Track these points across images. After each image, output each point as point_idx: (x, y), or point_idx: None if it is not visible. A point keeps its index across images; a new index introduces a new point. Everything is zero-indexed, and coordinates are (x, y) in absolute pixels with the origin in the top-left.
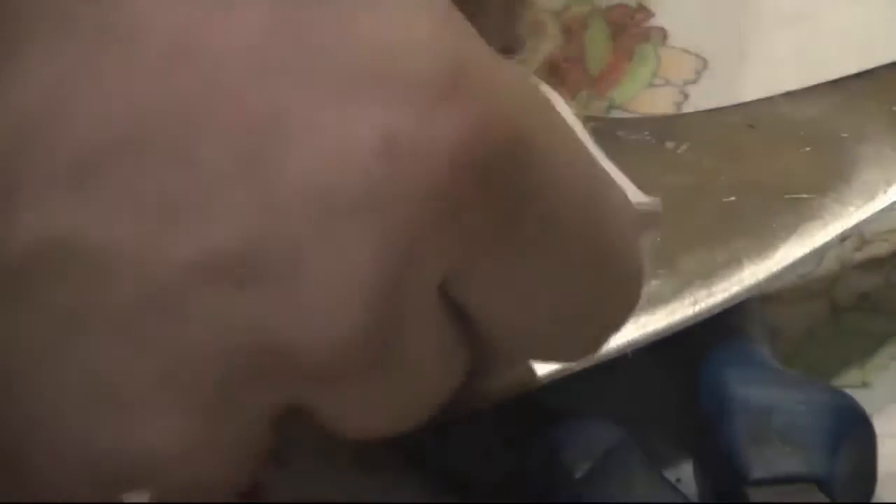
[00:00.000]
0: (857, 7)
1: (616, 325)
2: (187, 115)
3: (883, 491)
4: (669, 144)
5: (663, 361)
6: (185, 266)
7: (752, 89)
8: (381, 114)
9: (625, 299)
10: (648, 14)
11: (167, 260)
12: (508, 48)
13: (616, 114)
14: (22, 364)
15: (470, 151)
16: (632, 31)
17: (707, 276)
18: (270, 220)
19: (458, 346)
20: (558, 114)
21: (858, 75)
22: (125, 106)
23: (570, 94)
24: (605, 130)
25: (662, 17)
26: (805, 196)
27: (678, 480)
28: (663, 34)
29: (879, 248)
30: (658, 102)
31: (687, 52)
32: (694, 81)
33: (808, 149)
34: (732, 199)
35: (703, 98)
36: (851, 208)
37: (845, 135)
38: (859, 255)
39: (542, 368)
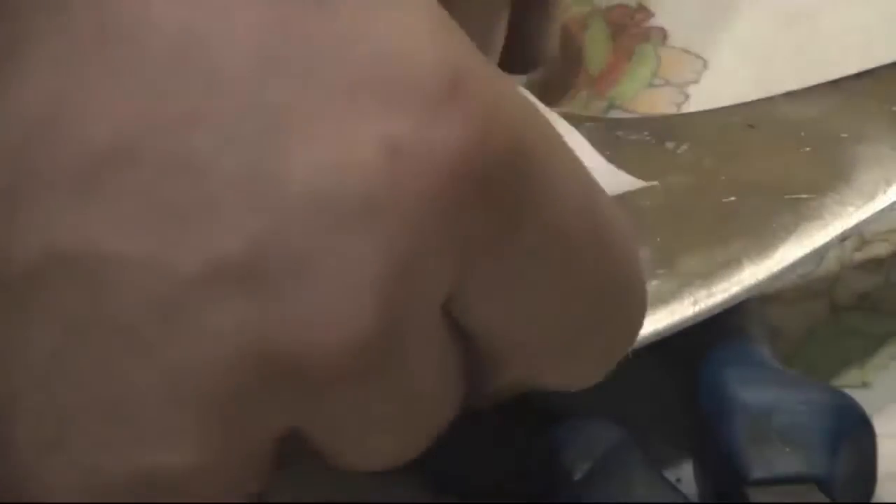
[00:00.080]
0: (857, 7)
1: (622, 341)
2: (188, 119)
3: (883, 491)
4: (669, 144)
5: (663, 361)
6: (191, 276)
7: (752, 89)
8: (382, 120)
9: (629, 313)
10: (648, 14)
11: (173, 270)
12: (532, 62)
13: (616, 114)
14: (26, 381)
15: (470, 159)
16: (632, 31)
17: (707, 276)
18: (274, 227)
19: (457, 372)
20: (553, 124)
21: (858, 75)
22: (126, 111)
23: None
24: (604, 130)
25: (662, 17)
26: (805, 196)
27: (678, 480)
28: (663, 34)
29: (879, 249)
30: (658, 102)
31: (687, 52)
32: (694, 81)
33: (808, 149)
34: (732, 199)
35: (703, 98)
36: (851, 208)
37: (845, 135)
38: (859, 256)
39: None
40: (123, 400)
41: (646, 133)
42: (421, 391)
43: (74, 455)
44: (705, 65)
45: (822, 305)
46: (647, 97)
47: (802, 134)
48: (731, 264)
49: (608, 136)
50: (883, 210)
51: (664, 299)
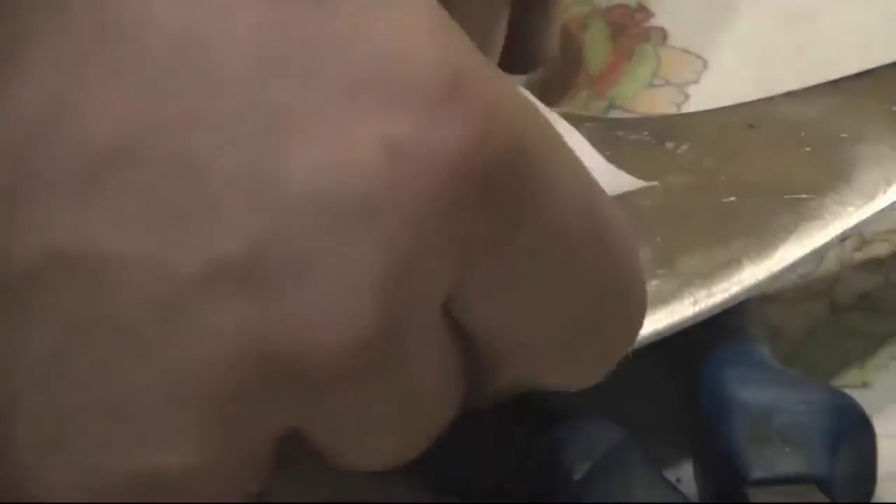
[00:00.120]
0: (857, 7)
1: (623, 340)
2: (188, 119)
3: (883, 491)
4: (669, 144)
5: (663, 361)
6: (191, 276)
7: (752, 89)
8: (382, 120)
9: (629, 313)
10: (648, 14)
11: (173, 270)
12: (532, 62)
13: (616, 114)
14: (26, 381)
15: (470, 159)
16: (632, 31)
17: (707, 276)
18: (274, 227)
19: (457, 372)
20: (553, 124)
21: (858, 75)
22: (126, 111)
23: (571, 95)
24: (604, 130)
25: (662, 17)
26: (805, 196)
27: (678, 480)
28: (663, 34)
29: (879, 249)
30: (658, 102)
31: (687, 52)
32: (694, 81)
33: (808, 149)
34: (732, 199)
35: (703, 98)
36: (851, 208)
37: (845, 135)
38: (859, 256)
39: None
40: (123, 400)
41: (646, 133)
42: (421, 391)
43: (74, 455)
44: (705, 65)
45: (822, 305)
46: (647, 97)
47: (802, 134)
48: (731, 264)
49: (608, 136)
50: (883, 210)
51: (664, 299)
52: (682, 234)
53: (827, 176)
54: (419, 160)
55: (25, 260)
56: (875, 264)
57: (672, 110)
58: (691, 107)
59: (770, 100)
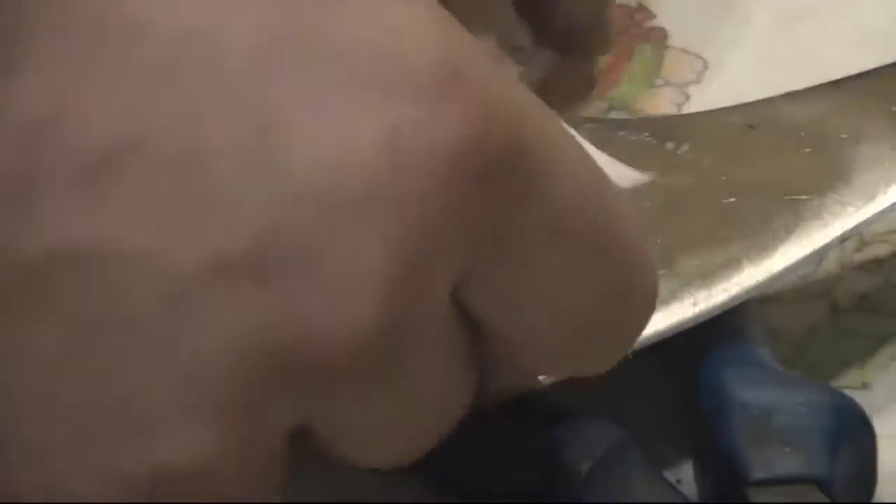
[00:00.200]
0: (857, 7)
1: (633, 330)
2: (191, 114)
3: (883, 491)
4: (669, 145)
5: (663, 361)
6: (197, 272)
7: (752, 89)
8: (383, 111)
9: (640, 293)
10: (648, 14)
11: (179, 266)
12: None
13: (616, 114)
14: (34, 380)
15: (470, 153)
16: (632, 32)
17: (707, 276)
18: (278, 222)
19: (466, 367)
20: (554, 115)
21: (858, 75)
22: (130, 108)
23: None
24: (604, 131)
25: (662, 17)
26: (805, 197)
27: (678, 481)
28: (663, 34)
29: (879, 249)
30: (658, 103)
31: (687, 52)
32: (694, 82)
33: (808, 149)
34: (732, 199)
35: (704, 98)
36: (851, 209)
37: (845, 135)
38: (859, 256)
39: None
40: (133, 398)
41: (646, 133)
42: (429, 386)
43: (84, 455)
44: (705, 65)
45: (822, 306)
46: (647, 98)
47: (802, 134)
48: (731, 265)
49: (608, 137)
50: (883, 211)
51: (664, 300)
52: (682, 234)
53: (827, 176)
54: (420, 154)
55: (32, 259)
56: (875, 265)
57: (672, 111)
58: (692, 107)
59: (770, 100)
